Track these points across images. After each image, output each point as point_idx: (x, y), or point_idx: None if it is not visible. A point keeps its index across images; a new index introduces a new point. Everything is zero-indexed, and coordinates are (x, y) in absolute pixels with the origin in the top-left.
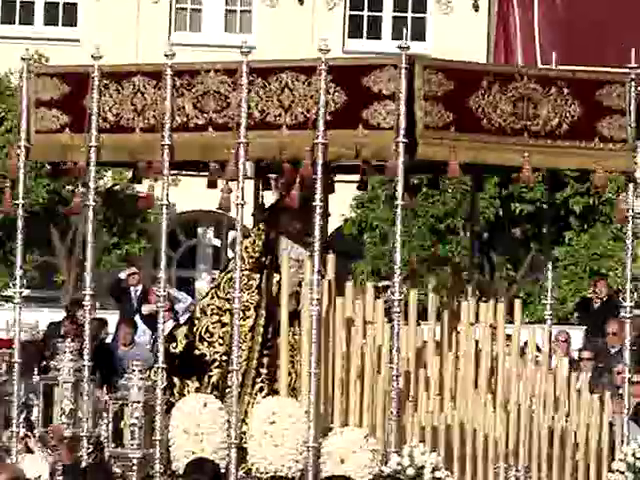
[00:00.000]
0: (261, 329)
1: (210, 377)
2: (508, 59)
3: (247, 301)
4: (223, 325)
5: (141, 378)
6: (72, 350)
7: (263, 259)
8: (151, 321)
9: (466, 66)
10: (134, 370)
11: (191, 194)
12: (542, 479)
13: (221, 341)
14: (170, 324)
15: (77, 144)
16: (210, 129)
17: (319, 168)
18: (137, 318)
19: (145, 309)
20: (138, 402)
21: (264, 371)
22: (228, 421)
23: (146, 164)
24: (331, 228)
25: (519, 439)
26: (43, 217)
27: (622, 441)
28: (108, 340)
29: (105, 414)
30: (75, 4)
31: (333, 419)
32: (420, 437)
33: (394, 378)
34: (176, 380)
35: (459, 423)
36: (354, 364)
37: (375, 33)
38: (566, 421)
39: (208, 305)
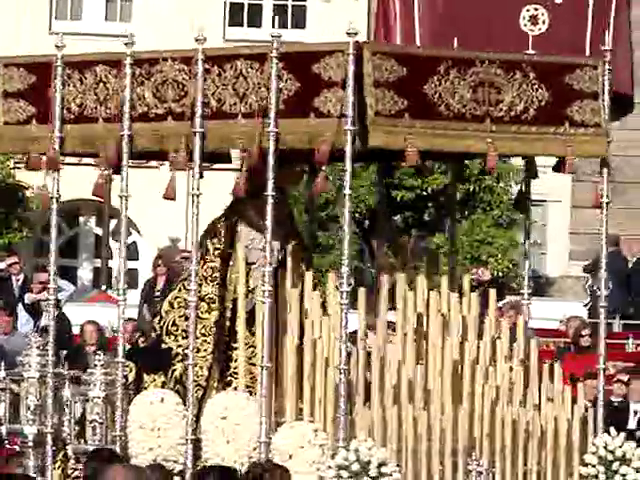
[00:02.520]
0: (227, 322)
1: (174, 371)
2: None
3: (212, 294)
4: (187, 318)
5: (104, 373)
6: (40, 345)
7: (229, 251)
8: (33, 310)
9: (421, 52)
10: (96, 365)
11: (72, 183)
12: (506, 473)
13: (184, 334)
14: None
15: (43, 135)
16: (169, 118)
17: (270, 158)
18: (19, 307)
19: (28, 298)
20: (99, 397)
21: (233, 365)
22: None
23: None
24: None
25: (482, 432)
26: None
27: (594, 434)
28: None
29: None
30: None
31: (286, 414)
32: (371, 432)
33: (341, 371)
34: (144, 374)
35: (412, 417)
36: (307, 357)
37: (255, 21)
38: (538, 413)
39: (175, 298)
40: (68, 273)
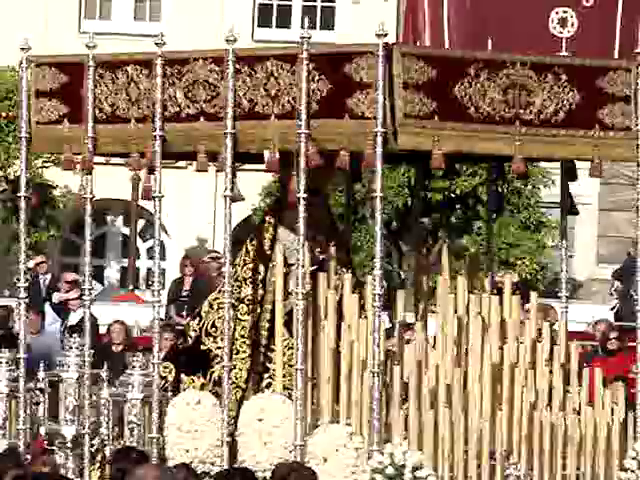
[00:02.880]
0: (266, 324)
1: (212, 373)
2: None
3: (252, 295)
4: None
5: (142, 374)
6: (78, 346)
7: (269, 252)
8: (61, 309)
9: (450, 53)
10: (134, 366)
11: (100, 183)
12: (544, 478)
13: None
14: (80, 312)
15: (76, 135)
16: (202, 119)
17: (302, 159)
18: (46, 306)
19: (56, 297)
20: (137, 399)
21: (272, 366)
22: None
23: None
24: (240, 217)
25: (521, 436)
26: None
27: (635, 438)
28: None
29: (106, 411)
30: None
31: (322, 417)
32: (407, 435)
33: (373, 375)
34: (183, 376)
35: (450, 420)
36: (345, 360)
37: (284, 22)
38: (578, 419)
39: (215, 299)
40: (95, 273)
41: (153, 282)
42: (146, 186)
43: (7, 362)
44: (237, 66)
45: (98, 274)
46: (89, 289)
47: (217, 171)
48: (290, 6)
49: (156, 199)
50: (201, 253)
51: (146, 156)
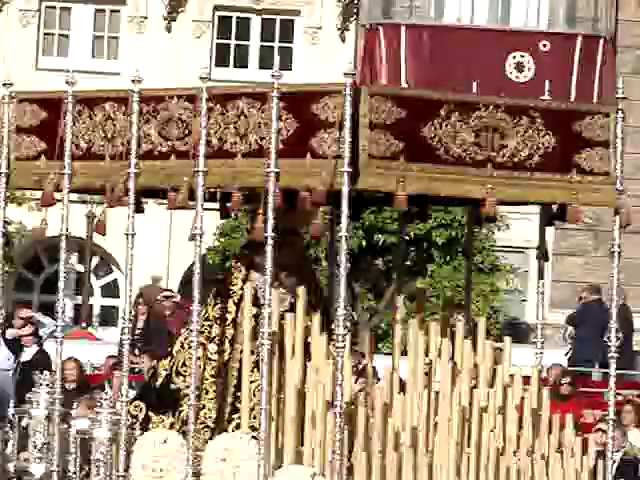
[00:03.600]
0: (237, 364)
1: (182, 412)
2: None
3: (222, 335)
4: (197, 359)
5: (110, 412)
6: (49, 383)
7: (240, 292)
8: (15, 346)
9: (420, 94)
10: (102, 404)
11: (55, 219)
12: None
13: None
14: (34, 349)
15: (51, 171)
16: (173, 157)
17: (270, 198)
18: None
19: (9, 333)
20: (105, 437)
21: (241, 407)
22: (196, 457)
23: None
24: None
25: None
26: None
27: None
28: None
29: (73, 448)
30: None
31: (286, 457)
32: (370, 477)
33: (337, 415)
34: (152, 415)
35: (413, 464)
36: (309, 401)
37: (242, 62)
38: (546, 464)
39: (186, 338)
40: (49, 309)
41: (107, 320)
42: (100, 221)
43: None
44: (210, 104)
45: (52, 311)
46: (62, 326)
47: (169, 209)
48: (248, 46)
49: (128, 236)
50: (154, 291)
51: (115, 192)
